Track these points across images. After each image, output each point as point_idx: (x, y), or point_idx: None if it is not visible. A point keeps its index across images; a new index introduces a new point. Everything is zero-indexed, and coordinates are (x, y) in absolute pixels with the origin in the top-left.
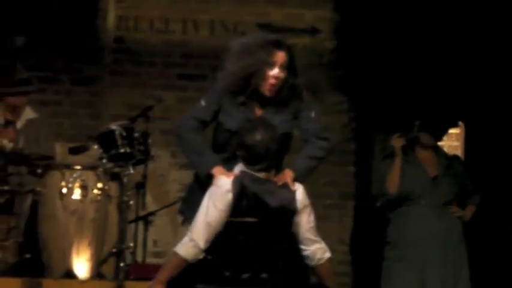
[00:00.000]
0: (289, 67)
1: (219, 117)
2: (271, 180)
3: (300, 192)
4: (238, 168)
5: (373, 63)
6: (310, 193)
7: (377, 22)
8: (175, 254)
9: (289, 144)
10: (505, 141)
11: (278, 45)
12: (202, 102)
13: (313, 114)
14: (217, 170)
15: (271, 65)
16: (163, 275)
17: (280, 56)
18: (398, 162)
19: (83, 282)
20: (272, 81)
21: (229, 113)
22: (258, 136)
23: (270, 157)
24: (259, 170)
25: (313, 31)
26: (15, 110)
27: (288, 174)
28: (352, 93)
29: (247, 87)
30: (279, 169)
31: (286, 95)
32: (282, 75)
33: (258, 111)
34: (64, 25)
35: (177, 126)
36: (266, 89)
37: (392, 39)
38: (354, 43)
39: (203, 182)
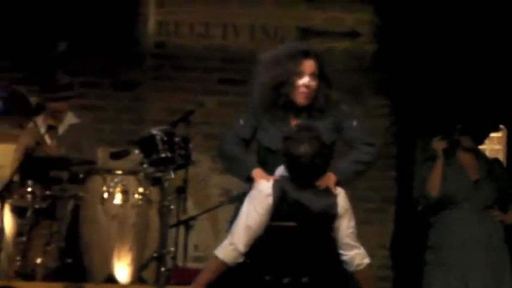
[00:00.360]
0: (321, 76)
1: (257, 135)
2: (312, 184)
3: (341, 196)
4: (279, 171)
5: (414, 66)
6: (351, 197)
7: (418, 24)
8: (215, 257)
9: (330, 157)
10: None
11: (306, 54)
12: (241, 121)
13: (355, 123)
14: (257, 173)
15: (300, 74)
16: (203, 278)
17: (309, 64)
18: (439, 165)
19: (124, 286)
20: (302, 89)
21: (266, 129)
22: (302, 149)
23: (313, 170)
24: (300, 181)
25: (353, 34)
26: (57, 116)
27: (330, 178)
28: (393, 97)
29: (279, 98)
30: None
31: (321, 105)
32: (313, 83)
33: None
34: (105, 30)
35: (218, 145)
36: (298, 98)
37: (433, 42)
38: (395, 46)
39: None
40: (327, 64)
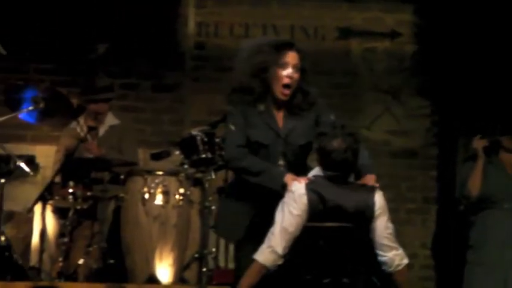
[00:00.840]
0: (302, 71)
1: (247, 132)
2: (346, 183)
3: (378, 197)
4: (314, 172)
5: (455, 66)
6: (393, 198)
7: (458, 24)
8: (255, 261)
9: (308, 153)
10: None
11: (290, 46)
12: (232, 127)
13: (332, 117)
14: (288, 178)
15: (284, 65)
16: (245, 282)
17: (292, 56)
18: (480, 164)
19: (166, 287)
20: (286, 80)
21: (254, 125)
22: (335, 144)
23: (346, 166)
24: (333, 177)
25: (393, 35)
26: (98, 117)
27: (372, 177)
28: (434, 97)
29: (258, 87)
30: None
31: (301, 101)
32: (296, 76)
33: (279, 119)
34: (145, 32)
35: (227, 162)
36: (279, 91)
37: (474, 41)
38: (435, 46)
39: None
40: (368, 65)
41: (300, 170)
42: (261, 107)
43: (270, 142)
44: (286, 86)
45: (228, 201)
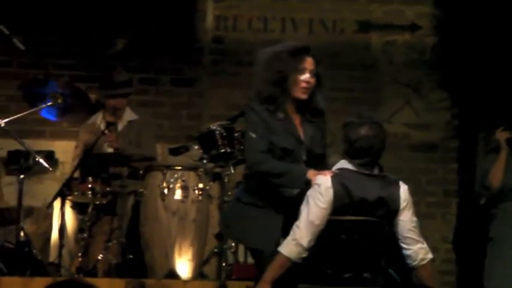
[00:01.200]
0: (317, 76)
1: (270, 138)
2: (372, 175)
3: (403, 190)
4: (339, 165)
5: (476, 58)
6: (412, 191)
7: (479, 16)
8: (280, 254)
9: (323, 163)
10: None
11: (307, 51)
12: (253, 135)
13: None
14: (311, 173)
15: (302, 71)
16: (269, 276)
17: (309, 62)
18: (503, 155)
19: (186, 282)
20: (303, 85)
21: (276, 131)
22: (363, 131)
23: (372, 153)
24: (361, 165)
25: (413, 27)
26: (116, 112)
27: None
28: (455, 90)
29: (279, 94)
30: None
31: (321, 105)
32: (312, 80)
33: (298, 126)
34: (163, 26)
35: (250, 167)
36: (298, 93)
37: (495, 33)
38: (456, 38)
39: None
40: (388, 58)
41: None
42: (280, 115)
43: (293, 148)
44: (304, 88)
45: (249, 208)
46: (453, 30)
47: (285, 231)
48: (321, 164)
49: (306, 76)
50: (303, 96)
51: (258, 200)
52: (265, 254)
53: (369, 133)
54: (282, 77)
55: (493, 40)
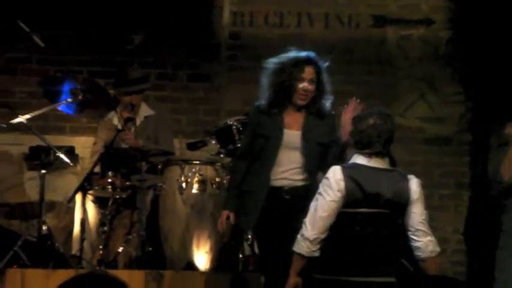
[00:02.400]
0: (318, 81)
1: (256, 131)
2: (383, 170)
3: (414, 182)
4: (352, 160)
5: (490, 52)
6: (426, 184)
7: (493, 10)
8: (294, 251)
9: (326, 155)
10: None
11: (308, 62)
12: (243, 139)
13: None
14: (224, 213)
15: (301, 80)
16: (293, 270)
17: (308, 71)
18: None
19: (203, 273)
20: (301, 92)
21: (262, 124)
22: (371, 120)
23: (382, 142)
24: (371, 155)
25: (428, 21)
26: (133, 108)
27: None
28: (469, 84)
29: (281, 100)
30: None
31: (318, 107)
32: (311, 87)
33: (298, 119)
34: (180, 22)
35: None
36: (298, 100)
37: (509, 27)
38: (470, 32)
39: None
40: (403, 52)
41: (316, 166)
42: (275, 110)
43: (271, 134)
44: (302, 95)
45: (243, 194)
46: (468, 24)
47: (266, 213)
48: (320, 151)
49: (304, 85)
50: (301, 102)
51: (246, 186)
52: (245, 233)
53: (377, 121)
54: (284, 85)
55: (507, 34)
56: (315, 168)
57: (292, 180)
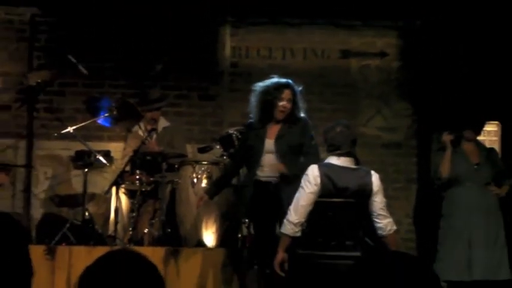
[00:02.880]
0: (294, 101)
1: (246, 143)
2: (351, 168)
3: (375, 177)
4: (326, 161)
5: (430, 77)
6: (382, 179)
7: (431, 46)
8: (281, 232)
9: (301, 151)
10: None
11: (286, 86)
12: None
13: (312, 133)
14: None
15: (280, 99)
16: (281, 247)
17: (286, 93)
18: (448, 153)
19: (211, 249)
20: (281, 109)
21: (250, 137)
22: (338, 129)
23: (349, 143)
24: (341, 155)
25: (382, 54)
26: (155, 122)
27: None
28: (414, 102)
29: (265, 116)
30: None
31: (293, 119)
32: (288, 105)
33: (275, 130)
34: (192, 55)
35: None
36: (277, 115)
37: (444, 60)
38: (415, 63)
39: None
40: (364, 78)
41: (292, 164)
42: (260, 125)
43: (254, 143)
44: (281, 111)
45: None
46: (413, 57)
47: (254, 205)
48: (294, 151)
49: (283, 103)
50: (280, 116)
51: (245, 182)
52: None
53: (343, 129)
54: (267, 104)
55: (442, 64)
56: (291, 165)
57: (275, 177)
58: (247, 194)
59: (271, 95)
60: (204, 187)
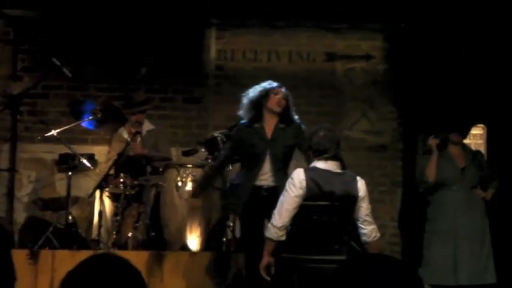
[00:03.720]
0: (288, 102)
1: (242, 147)
2: (336, 173)
3: (361, 183)
4: (312, 165)
5: (415, 81)
6: (367, 182)
7: (417, 49)
8: (266, 237)
9: (292, 153)
10: None
11: (280, 86)
12: (225, 149)
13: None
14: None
15: (277, 93)
16: (266, 251)
17: (280, 91)
18: (434, 157)
19: (196, 253)
20: (277, 99)
21: (247, 137)
22: (322, 133)
23: (334, 146)
24: (327, 159)
25: (368, 57)
26: (140, 125)
27: None
28: (400, 105)
29: (258, 115)
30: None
31: (288, 119)
32: (284, 101)
33: (271, 128)
34: (178, 57)
35: None
36: (274, 105)
37: (430, 62)
38: (401, 66)
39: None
40: (349, 81)
41: (285, 164)
42: (257, 125)
43: (256, 143)
44: (277, 103)
45: (234, 186)
46: (399, 60)
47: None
48: (287, 154)
49: (279, 96)
50: (277, 108)
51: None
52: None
53: (326, 133)
54: (262, 98)
55: (428, 66)
56: (285, 165)
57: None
58: (241, 195)
59: (267, 92)
60: (189, 190)
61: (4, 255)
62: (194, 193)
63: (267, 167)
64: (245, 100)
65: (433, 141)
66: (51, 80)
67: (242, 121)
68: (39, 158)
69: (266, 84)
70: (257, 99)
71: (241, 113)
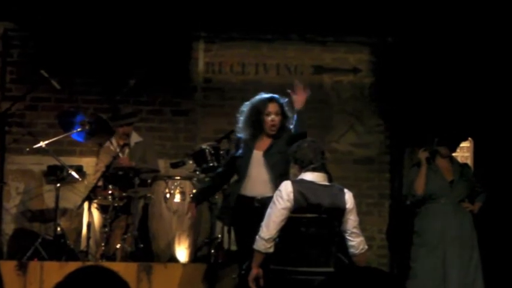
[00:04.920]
0: (282, 113)
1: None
2: (324, 185)
3: (349, 196)
4: (299, 177)
5: (402, 93)
6: (355, 194)
7: (404, 63)
8: (254, 249)
9: (286, 162)
10: (506, 151)
11: (271, 99)
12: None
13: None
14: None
15: (268, 114)
16: (255, 263)
17: (272, 106)
18: (423, 170)
19: (184, 265)
20: (270, 123)
21: (241, 147)
22: (305, 144)
23: (319, 156)
24: (314, 169)
25: (355, 70)
26: (125, 137)
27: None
28: (387, 118)
29: (254, 131)
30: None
31: (282, 133)
32: (277, 119)
33: (266, 142)
34: (166, 70)
35: None
36: (269, 130)
37: (417, 75)
38: (388, 79)
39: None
40: (336, 94)
41: (281, 174)
42: (250, 138)
43: (243, 155)
44: (271, 126)
45: (227, 199)
46: (385, 73)
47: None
48: (283, 159)
49: (270, 117)
50: (271, 132)
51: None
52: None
53: (310, 144)
54: (257, 120)
55: (416, 79)
56: (281, 174)
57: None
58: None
59: (258, 110)
60: (177, 202)
61: None
62: (194, 199)
63: (264, 176)
64: (241, 118)
65: (422, 154)
66: (39, 92)
67: (239, 135)
68: (27, 170)
69: (257, 101)
70: (252, 120)
71: (238, 129)
